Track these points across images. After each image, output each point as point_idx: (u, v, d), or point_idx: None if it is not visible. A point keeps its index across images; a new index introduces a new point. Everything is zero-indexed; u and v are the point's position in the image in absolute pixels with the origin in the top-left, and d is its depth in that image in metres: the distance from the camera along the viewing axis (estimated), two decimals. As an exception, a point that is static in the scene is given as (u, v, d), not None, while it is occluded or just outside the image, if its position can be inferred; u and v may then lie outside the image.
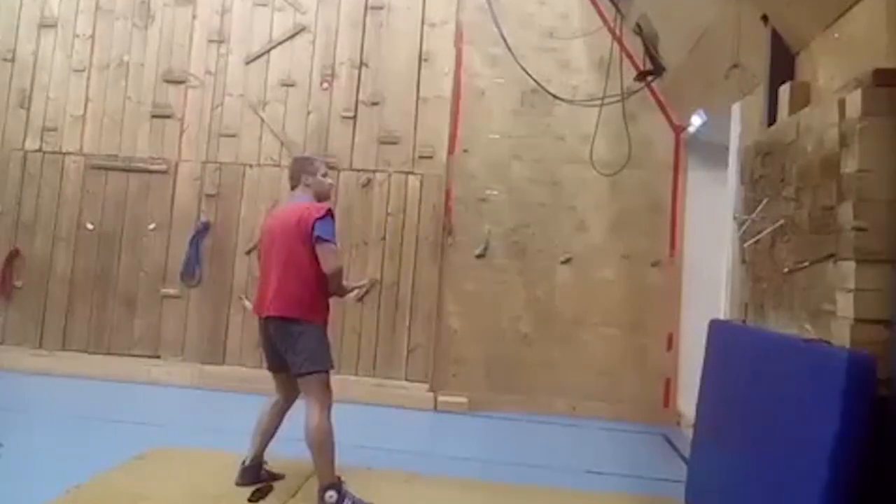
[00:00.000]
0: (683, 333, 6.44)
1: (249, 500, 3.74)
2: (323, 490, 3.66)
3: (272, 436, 4.08)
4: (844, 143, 2.79)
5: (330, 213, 3.84)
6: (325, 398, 3.79)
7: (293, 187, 4.09)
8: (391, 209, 6.79)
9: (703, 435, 3.88)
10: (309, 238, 3.74)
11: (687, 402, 5.58)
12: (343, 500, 3.66)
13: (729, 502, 3.27)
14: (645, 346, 6.57)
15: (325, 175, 4.09)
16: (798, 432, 2.66)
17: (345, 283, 3.97)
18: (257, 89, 7.03)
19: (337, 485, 3.68)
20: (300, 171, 4.08)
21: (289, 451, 4.63)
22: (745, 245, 3.91)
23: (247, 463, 4.01)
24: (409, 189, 6.78)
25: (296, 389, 4.03)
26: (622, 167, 6.45)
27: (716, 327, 4.02)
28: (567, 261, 6.69)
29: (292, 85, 6.99)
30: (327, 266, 3.76)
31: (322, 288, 3.87)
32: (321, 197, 4.03)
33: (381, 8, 6.96)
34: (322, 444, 3.69)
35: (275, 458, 4.22)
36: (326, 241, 3.75)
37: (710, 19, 4.80)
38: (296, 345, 3.80)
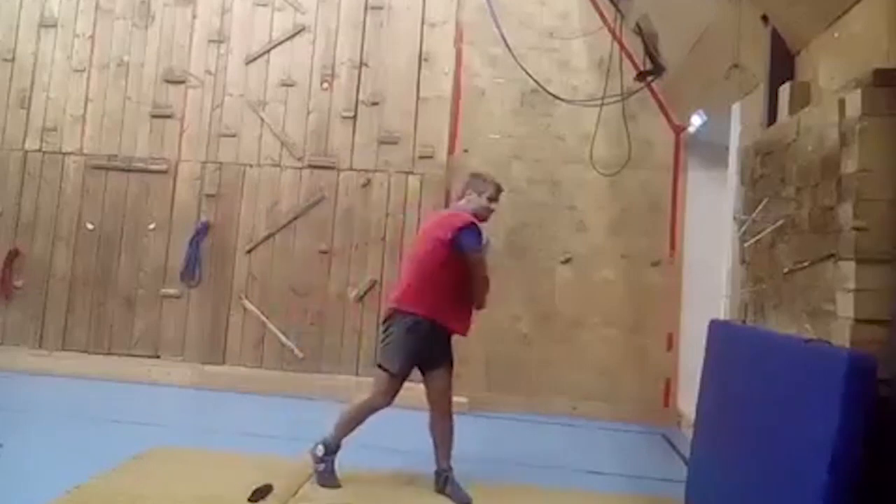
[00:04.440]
0: (683, 333, 6.43)
1: (249, 500, 3.73)
2: (321, 442, 4.04)
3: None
4: (844, 143, 2.79)
5: (474, 224, 3.98)
6: (380, 392, 4.03)
7: (459, 198, 4.26)
8: (391, 209, 6.79)
9: (703, 435, 3.88)
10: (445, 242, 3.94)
11: (687, 402, 5.57)
12: (320, 462, 4.01)
13: (729, 502, 3.27)
14: (645, 346, 6.57)
15: (490, 199, 4.14)
16: (798, 432, 2.66)
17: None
18: (257, 89, 7.03)
19: (331, 447, 4.02)
20: (468, 185, 4.24)
21: (289, 450, 4.64)
22: (745, 245, 3.91)
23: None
24: (409, 189, 6.78)
25: (383, 388, 4.07)
26: (622, 167, 6.45)
27: (716, 327, 4.01)
28: (567, 261, 6.69)
29: (292, 85, 6.99)
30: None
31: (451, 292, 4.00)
32: (479, 220, 4.10)
33: (381, 8, 6.95)
34: (347, 417, 4.06)
35: (275, 457, 4.24)
36: (477, 251, 3.95)
37: (710, 19, 4.80)
38: (385, 336, 4.13)
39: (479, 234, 3.96)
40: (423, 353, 4.02)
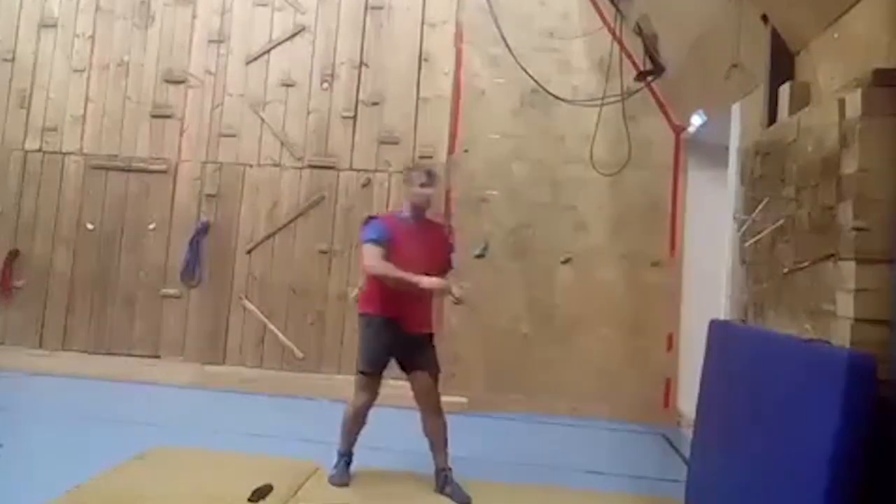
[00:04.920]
0: (683, 333, 6.43)
1: (249, 500, 3.73)
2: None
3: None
4: (844, 143, 2.79)
5: (374, 218, 4.26)
6: (357, 395, 4.17)
7: None
8: (391, 209, 6.78)
9: (703, 435, 3.88)
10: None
11: (687, 402, 5.57)
12: (334, 465, 4.17)
13: (729, 502, 3.27)
14: (645, 346, 6.56)
15: (422, 185, 4.16)
16: (798, 432, 2.66)
17: (396, 274, 3.97)
18: (257, 89, 7.03)
19: (339, 451, 4.20)
20: (404, 181, 4.40)
21: (289, 450, 4.64)
22: (745, 245, 3.91)
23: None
24: (409, 189, 6.76)
25: (357, 387, 4.22)
26: (622, 167, 6.44)
27: (716, 327, 4.01)
28: (567, 261, 6.69)
29: (292, 85, 6.99)
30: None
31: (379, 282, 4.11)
32: (418, 207, 4.20)
33: (381, 8, 6.95)
34: (343, 426, 4.22)
35: (275, 457, 4.23)
36: (363, 242, 4.10)
37: (710, 19, 4.80)
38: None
39: (377, 227, 4.12)
40: (387, 349, 4.11)
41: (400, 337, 4.09)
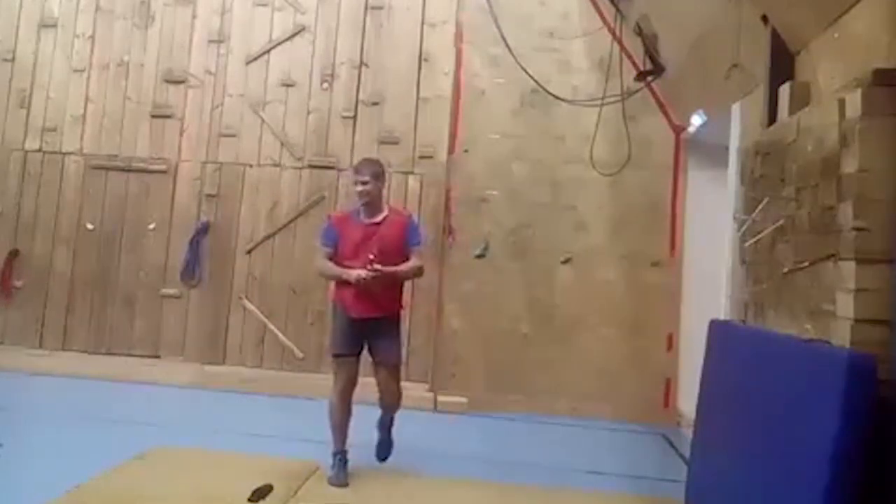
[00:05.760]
0: (683, 333, 6.43)
1: (249, 500, 3.74)
2: None
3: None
4: (844, 143, 2.79)
5: (328, 218, 4.65)
6: (335, 381, 4.25)
7: None
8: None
9: (703, 435, 3.88)
10: None
11: (687, 402, 5.57)
12: (332, 466, 4.17)
13: (729, 502, 3.28)
14: (645, 346, 6.56)
15: (354, 183, 4.39)
16: (798, 432, 2.66)
17: (330, 271, 4.35)
18: (257, 89, 7.02)
19: (334, 451, 4.20)
20: None
21: (289, 450, 4.65)
22: (745, 245, 3.92)
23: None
24: (409, 189, 6.78)
25: (333, 372, 4.36)
26: (622, 167, 6.44)
27: (716, 327, 4.02)
28: (567, 261, 6.69)
29: (292, 85, 6.99)
30: None
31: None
32: (362, 202, 4.35)
33: (381, 8, 6.95)
34: (329, 416, 4.23)
35: (275, 457, 4.22)
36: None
37: (710, 19, 4.80)
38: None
39: (325, 229, 4.47)
40: (350, 335, 4.25)
41: (352, 321, 4.23)
